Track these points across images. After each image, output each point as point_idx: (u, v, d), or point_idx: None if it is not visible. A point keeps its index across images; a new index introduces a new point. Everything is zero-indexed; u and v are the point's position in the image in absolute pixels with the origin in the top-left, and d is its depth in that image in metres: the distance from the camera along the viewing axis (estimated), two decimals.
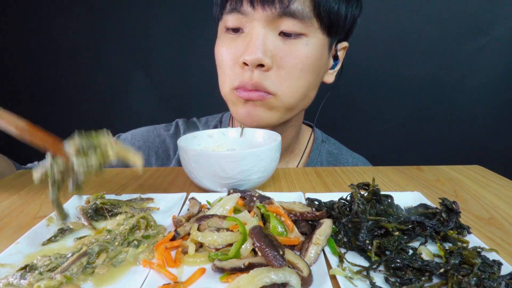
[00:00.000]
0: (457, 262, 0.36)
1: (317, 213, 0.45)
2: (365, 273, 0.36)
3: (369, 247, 0.39)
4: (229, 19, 0.70)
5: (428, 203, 0.50)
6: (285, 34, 0.68)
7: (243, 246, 0.38)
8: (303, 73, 0.70)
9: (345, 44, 0.79)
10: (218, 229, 0.41)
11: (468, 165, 0.75)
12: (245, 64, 0.68)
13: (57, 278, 0.34)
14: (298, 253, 0.39)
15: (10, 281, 0.35)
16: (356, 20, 0.74)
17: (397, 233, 0.41)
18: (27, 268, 0.36)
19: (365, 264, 0.38)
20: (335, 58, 0.79)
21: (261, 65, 0.67)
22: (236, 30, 0.71)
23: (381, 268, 0.37)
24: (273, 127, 0.73)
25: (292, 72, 0.69)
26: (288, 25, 0.66)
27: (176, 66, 1.44)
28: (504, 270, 0.35)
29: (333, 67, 0.80)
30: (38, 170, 0.41)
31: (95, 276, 0.36)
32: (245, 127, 0.72)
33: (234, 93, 0.73)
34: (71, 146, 0.43)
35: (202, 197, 0.53)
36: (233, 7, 0.68)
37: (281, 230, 0.42)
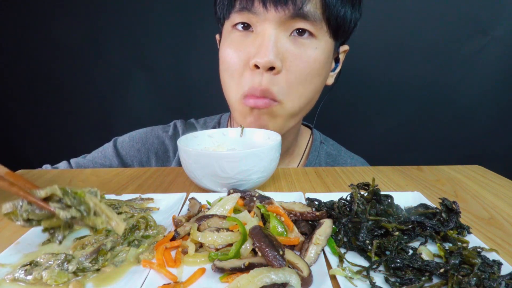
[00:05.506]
0: (457, 262, 0.36)
1: (317, 213, 0.45)
2: (365, 273, 0.36)
3: (369, 247, 0.39)
4: (238, 18, 0.68)
5: (428, 203, 0.50)
6: (298, 33, 0.67)
7: (243, 246, 0.38)
8: (310, 77, 0.70)
9: (346, 47, 0.79)
10: (218, 229, 0.41)
11: (468, 165, 0.75)
12: (256, 66, 0.66)
13: (69, 269, 0.35)
14: (298, 253, 0.39)
15: (16, 276, 0.35)
16: (357, 23, 0.74)
17: (397, 233, 0.41)
18: (32, 265, 0.37)
19: (365, 264, 0.38)
20: (336, 60, 0.80)
21: (271, 68, 0.66)
22: (244, 26, 0.68)
23: (381, 268, 0.37)
24: None
25: (300, 76, 0.68)
26: (300, 27, 0.66)
27: (176, 66, 1.44)
28: (504, 270, 0.35)
29: (333, 70, 0.81)
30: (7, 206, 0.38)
31: (95, 276, 0.36)
32: (245, 127, 0.71)
33: (242, 103, 0.71)
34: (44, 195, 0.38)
35: (202, 197, 0.53)
36: (243, 6, 0.66)
37: (281, 230, 0.42)
